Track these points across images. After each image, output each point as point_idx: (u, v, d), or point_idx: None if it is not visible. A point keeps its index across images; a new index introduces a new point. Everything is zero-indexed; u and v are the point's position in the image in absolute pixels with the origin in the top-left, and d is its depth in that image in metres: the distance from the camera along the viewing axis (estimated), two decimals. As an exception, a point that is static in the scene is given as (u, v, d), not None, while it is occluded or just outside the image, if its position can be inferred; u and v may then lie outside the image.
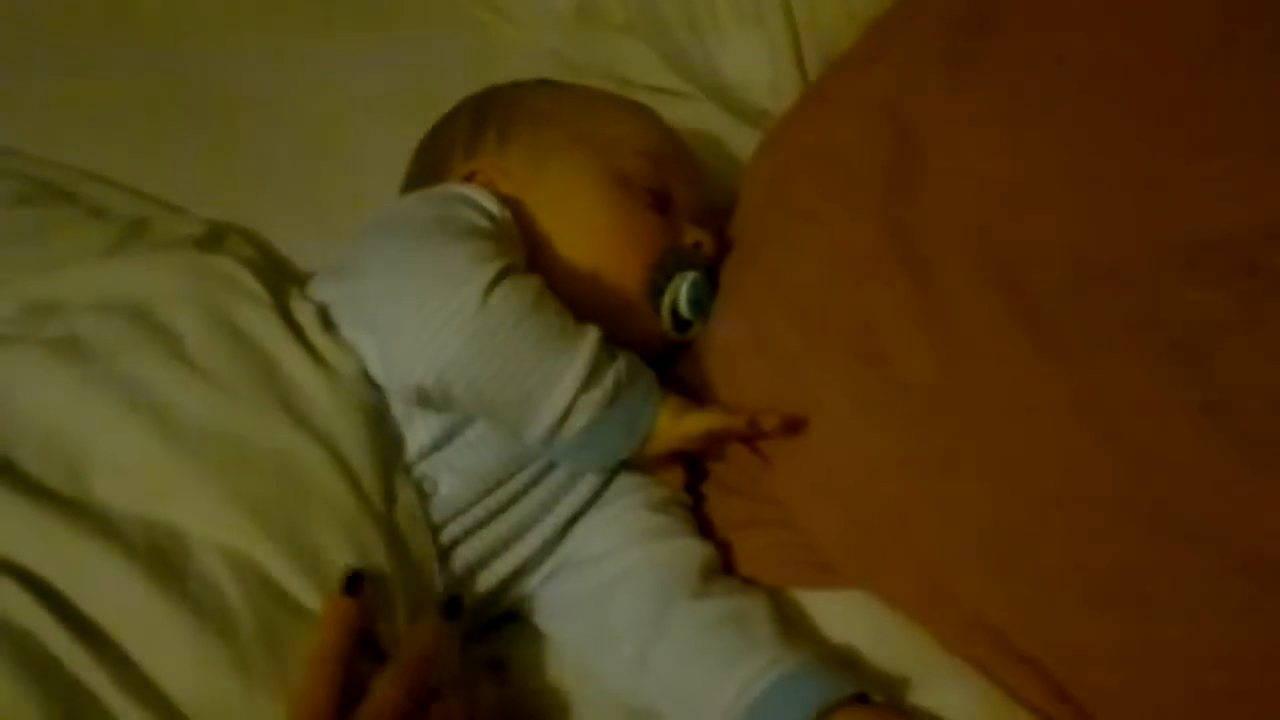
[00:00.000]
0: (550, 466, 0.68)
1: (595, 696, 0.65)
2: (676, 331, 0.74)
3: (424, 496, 0.64)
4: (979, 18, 0.72)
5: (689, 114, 0.88)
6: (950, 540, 0.62)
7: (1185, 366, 0.57)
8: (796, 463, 0.67)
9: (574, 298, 0.67)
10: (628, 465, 0.69)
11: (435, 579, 0.64)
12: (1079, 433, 0.58)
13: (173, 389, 0.61)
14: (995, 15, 0.72)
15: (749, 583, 0.68)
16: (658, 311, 0.73)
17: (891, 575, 0.65)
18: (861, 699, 0.59)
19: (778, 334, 0.70)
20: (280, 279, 0.69)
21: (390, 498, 0.63)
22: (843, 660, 0.64)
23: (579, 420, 0.64)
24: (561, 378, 0.63)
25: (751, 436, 0.67)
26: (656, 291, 0.73)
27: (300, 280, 0.71)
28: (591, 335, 0.65)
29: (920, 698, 0.62)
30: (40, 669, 0.52)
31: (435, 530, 0.64)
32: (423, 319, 0.63)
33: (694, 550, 0.67)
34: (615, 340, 0.67)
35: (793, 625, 0.65)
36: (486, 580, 0.66)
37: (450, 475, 0.65)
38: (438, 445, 0.66)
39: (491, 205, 0.70)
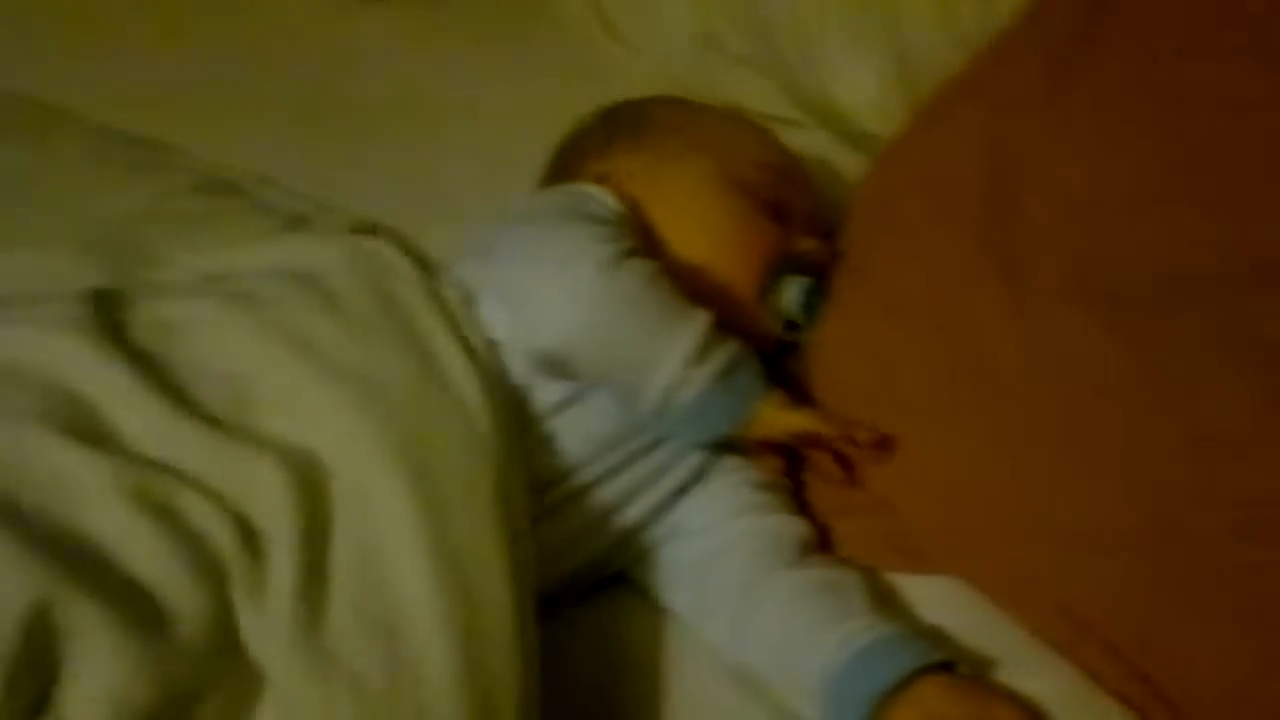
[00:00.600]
0: (660, 440, 0.74)
1: (699, 660, 0.70)
2: (785, 333, 0.80)
3: (547, 451, 0.71)
4: (1079, 49, 0.77)
5: (801, 140, 0.93)
6: (1039, 528, 0.66)
7: (1264, 371, 0.60)
8: (894, 454, 0.72)
9: (690, 293, 0.73)
10: (730, 447, 0.74)
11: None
12: (1165, 429, 0.62)
13: (327, 336, 0.67)
14: (1095, 47, 0.76)
15: (844, 562, 0.72)
16: (769, 312, 0.79)
17: (981, 562, 0.69)
18: (949, 669, 0.63)
19: (879, 335, 0.75)
20: (423, 263, 0.76)
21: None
22: (933, 636, 0.68)
23: (688, 392, 0.69)
24: (674, 348, 0.69)
25: (844, 444, 0.72)
26: (769, 293, 0.79)
27: (438, 267, 0.78)
28: (704, 315, 0.71)
29: (1006, 680, 0.65)
30: (208, 568, 0.58)
31: (553, 484, 0.70)
32: (552, 289, 0.69)
33: (793, 525, 0.72)
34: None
35: (886, 600, 0.69)
36: (597, 540, 0.72)
37: (571, 435, 0.71)
38: (559, 409, 0.72)
39: (613, 202, 0.77)
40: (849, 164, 0.94)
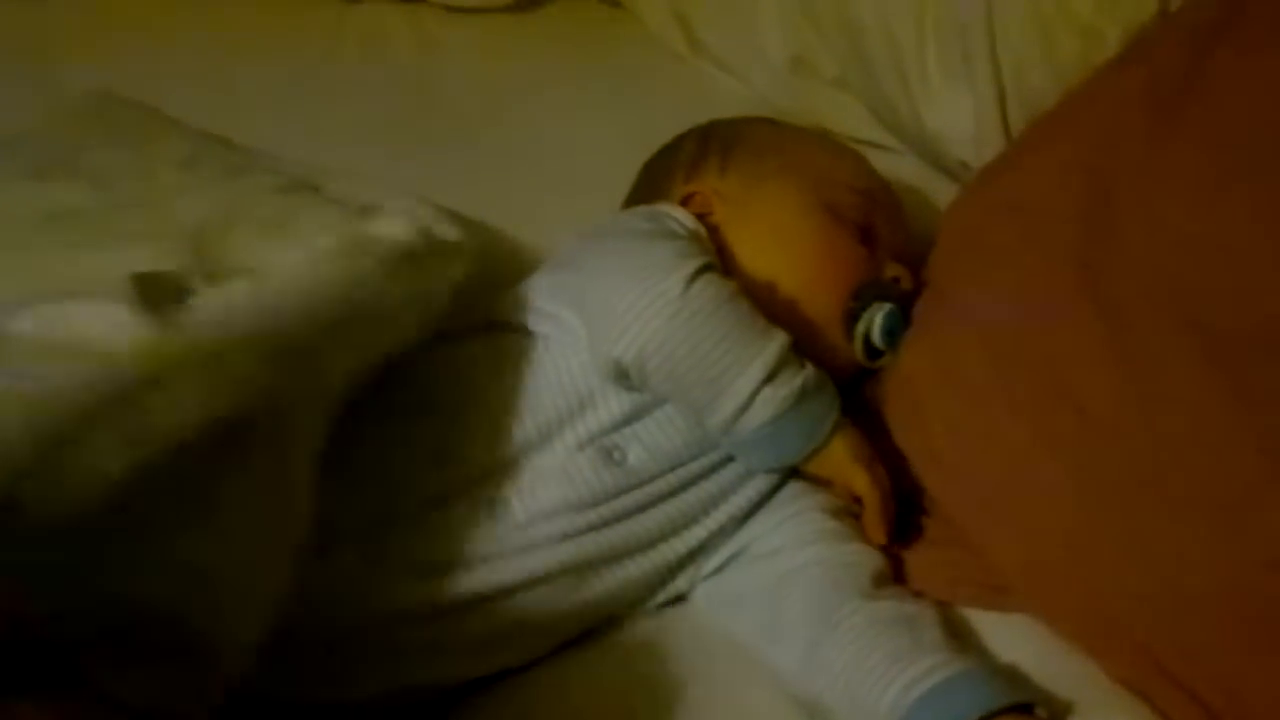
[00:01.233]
0: (727, 459, 0.73)
1: (761, 685, 0.69)
2: (866, 359, 0.79)
3: (612, 462, 0.70)
4: (1185, 87, 0.75)
5: (892, 166, 0.93)
6: (1123, 572, 0.64)
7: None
8: (974, 486, 0.71)
9: (771, 315, 0.72)
10: (799, 472, 0.74)
11: None
12: (1263, 475, 0.60)
13: None
14: (1202, 85, 0.75)
15: (918, 595, 0.71)
16: (851, 337, 0.78)
17: (1061, 602, 0.67)
18: (1027, 710, 0.62)
19: (965, 366, 0.74)
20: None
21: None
22: (1010, 675, 0.66)
23: (760, 413, 0.69)
24: (748, 367, 0.69)
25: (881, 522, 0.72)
26: (852, 318, 0.78)
27: None
28: (781, 335, 0.71)
29: (1082, 724, 0.64)
30: None
31: (621, 494, 0.70)
32: (629, 300, 0.70)
33: (867, 555, 0.71)
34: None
35: (961, 637, 0.67)
36: (662, 556, 0.71)
37: (638, 447, 0.71)
38: (628, 419, 0.72)
39: (692, 223, 0.78)
40: (940, 192, 0.92)
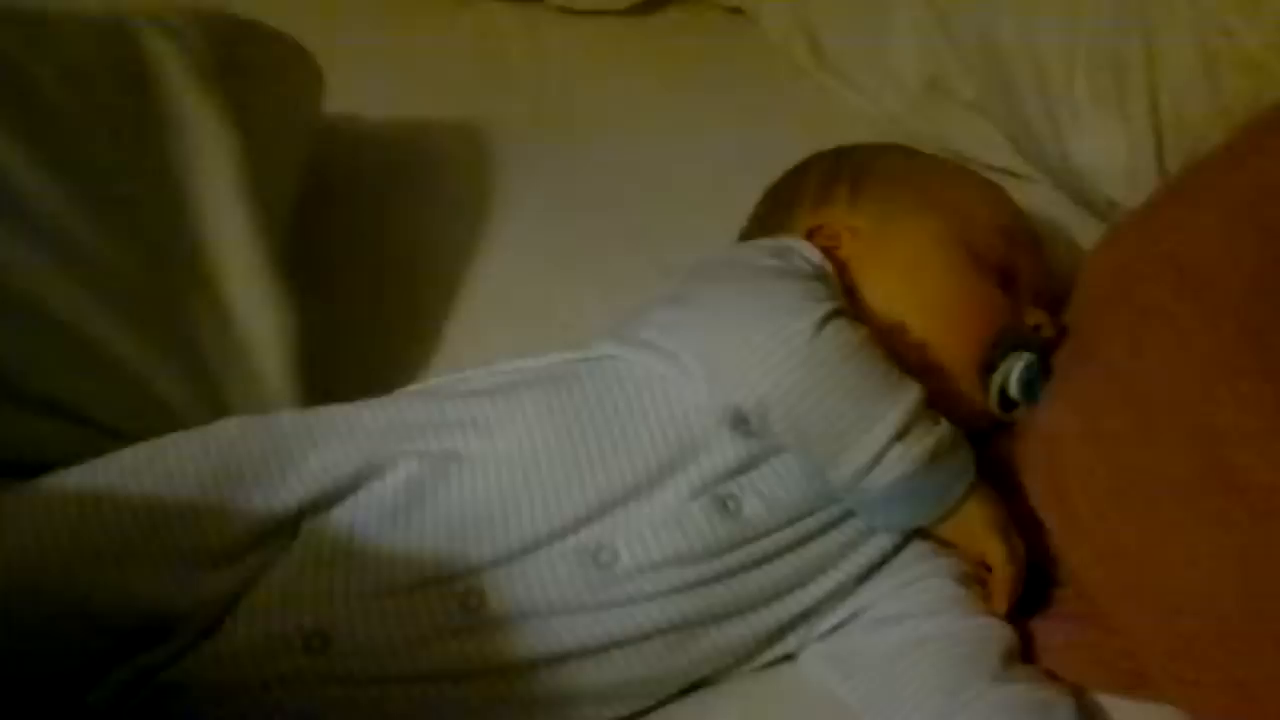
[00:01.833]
0: (849, 514, 0.68)
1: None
2: (1001, 410, 0.74)
3: (726, 512, 0.66)
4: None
5: (1029, 196, 0.87)
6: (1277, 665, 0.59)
7: None
8: (1119, 563, 0.65)
9: (898, 360, 0.68)
10: (923, 531, 0.69)
11: None
12: None
13: None
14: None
15: (1050, 675, 0.66)
16: (986, 388, 0.73)
17: (1210, 697, 0.62)
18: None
19: (1111, 427, 0.68)
20: None
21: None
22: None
23: (890, 471, 0.64)
24: (879, 421, 0.64)
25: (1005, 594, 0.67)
26: (989, 368, 0.73)
27: None
28: (915, 389, 0.66)
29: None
30: None
31: (734, 548, 0.66)
32: (754, 344, 0.66)
33: (997, 631, 0.66)
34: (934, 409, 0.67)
35: (1097, 730, 0.63)
36: (774, 615, 0.67)
37: (755, 498, 0.67)
38: (744, 468, 0.67)
39: (819, 260, 0.73)
40: (1080, 227, 0.87)
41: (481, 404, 0.71)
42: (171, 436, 0.67)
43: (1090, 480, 0.68)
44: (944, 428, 0.66)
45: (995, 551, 0.66)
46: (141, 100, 0.75)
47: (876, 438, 0.64)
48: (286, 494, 0.65)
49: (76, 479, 0.63)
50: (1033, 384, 0.73)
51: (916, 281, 0.74)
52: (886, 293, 0.74)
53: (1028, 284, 0.76)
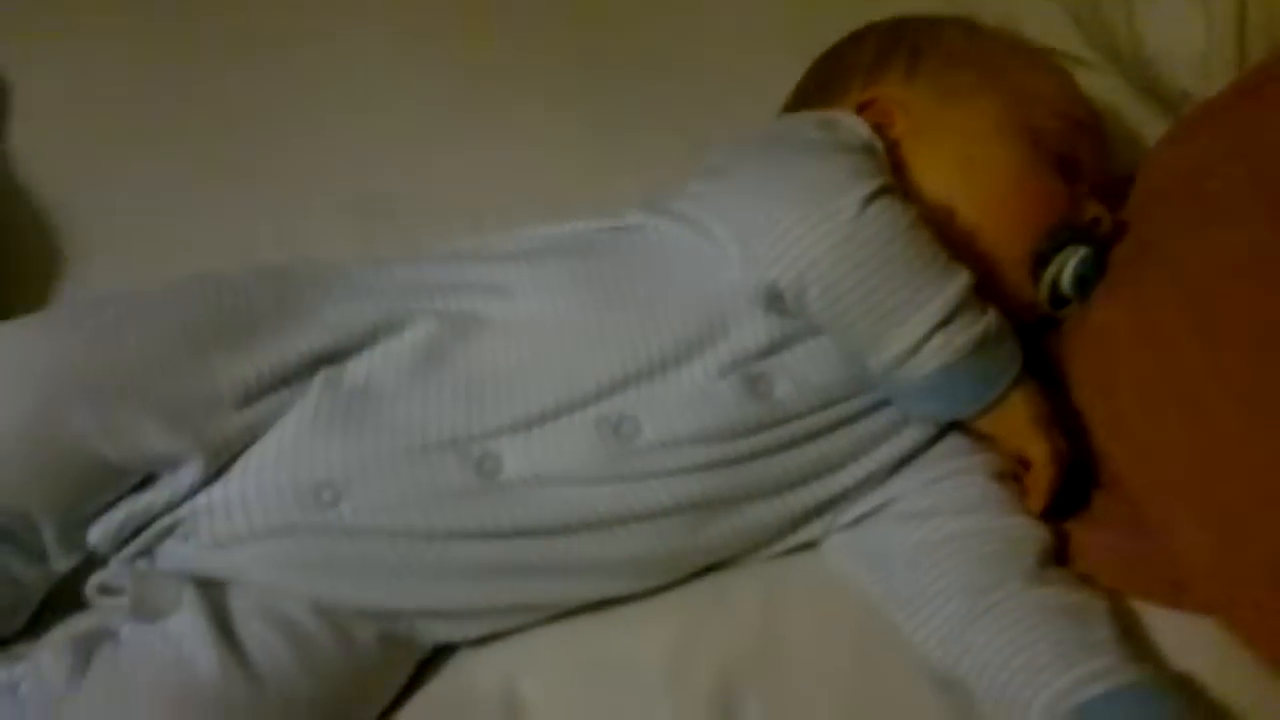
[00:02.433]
0: (883, 403, 0.66)
1: (889, 647, 0.63)
2: (1051, 307, 0.70)
3: (756, 393, 0.63)
4: None
5: (1093, 85, 0.81)
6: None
7: None
8: (1166, 462, 0.62)
9: (948, 247, 0.64)
10: (959, 426, 0.66)
11: None
12: None
13: None
14: None
15: (1085, 579, 0.64)
16: (1036, 281, 0.70)
17: (1254, 610, 0.59)
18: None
19: (1169, 329, 0.65)
20: None
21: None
22: (1182, 686, 0.59)
23: (932, 359, 0.62)
24: (924, 306, 0.61)
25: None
26: (1042, 261, 0.69)
27: None
28: (964, 274, 0.63)
29: (1260, 742, 0.57)
30: None
31: (762, 429, 0.63)
32: (795, 218, 0.62)
33: (1034, 531, 0.64)
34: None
35: (1132, 637, 0.60)
36: (799, 501, 0.65)
37: (786, 380, 0.64)
38: (775, 348, 0.64)
39: (870, 137, 0.69)
40: (1147, 121, 0.82)
41: (505, 268, 0.68)
42: (184, 279, 0.65)
43: (1141, 378, 0.65)
44: (991, 317, 0.63)
45: (1037, 448, 0.64)
46: None
47: (920, 323, 0.61)
48: (301, 340, 0.63)
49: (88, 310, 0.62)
50: (1086, 280, 0.69)
51: (971, 166, 0.70)
52: (938, 176, 0.70)
53: (1088, 176, 0.72)
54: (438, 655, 0.64)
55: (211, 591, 0.59)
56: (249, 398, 0.61)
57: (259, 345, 0.62)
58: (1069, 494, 0.66)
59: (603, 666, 0.63)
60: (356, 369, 0.63)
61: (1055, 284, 0.70)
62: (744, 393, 0.63)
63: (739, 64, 0.96)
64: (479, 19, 1.02)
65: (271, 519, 0.60)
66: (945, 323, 0.61)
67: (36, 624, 0.64)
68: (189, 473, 0.60)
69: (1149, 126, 0.81)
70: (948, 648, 0.61)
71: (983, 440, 0.67)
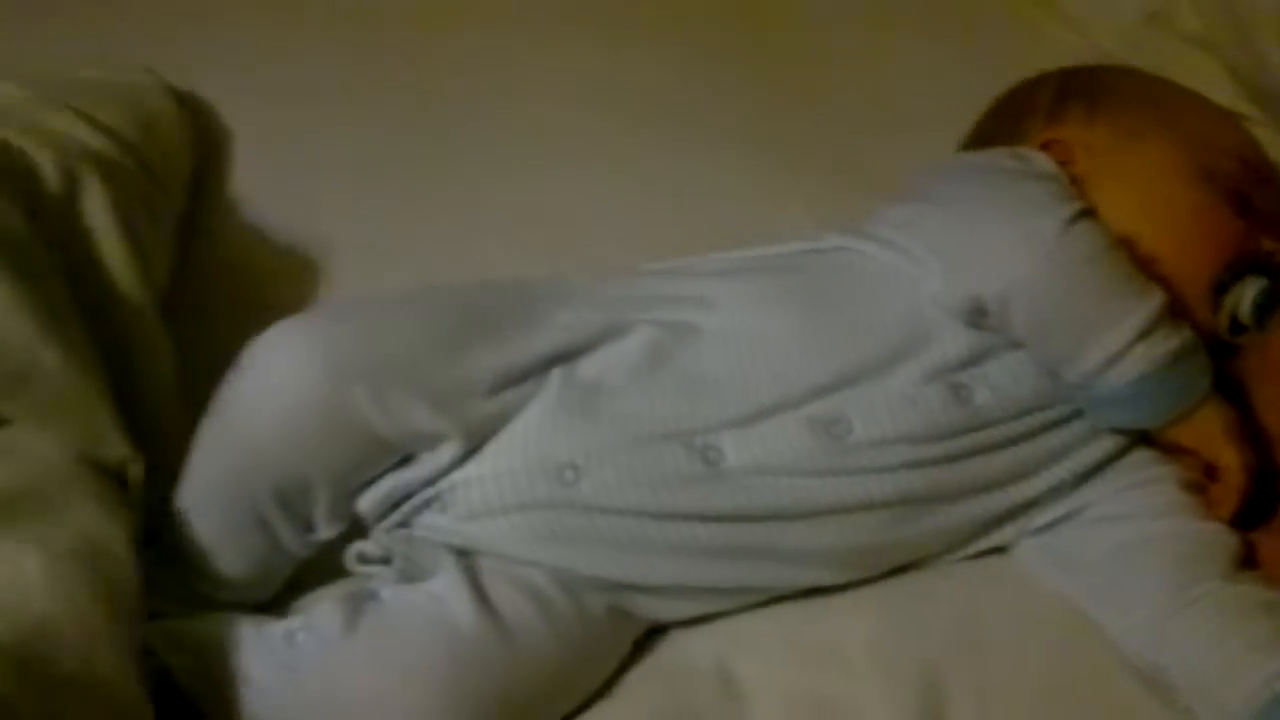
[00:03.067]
0: (1075, 414, 0.70)
1: (1090, 648, 0.66)
2: (1229, 334, 0.74)
3: (958, 399, 0.68)
4: None
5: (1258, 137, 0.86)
6: None
7: None
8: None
9: None
10: (1147, 439, 0.70)
11: None
12: None
13: None
14: None
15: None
16: (1216, 310, 0.74)
17: None
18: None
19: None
20: None
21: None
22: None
23: (1130, 369, 0.66)
24: (1124, 319, 0.66)
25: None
26: (1221, 289, 0.73)
27: None
28: (1160, 294, 0.68)
29: None
30: None
31: (963, 433, 0.68)
32: (1001, 235, 0.68)
33: (1226, 536, 0.67)
34: None
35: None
36: (995, 503, 0.69)
37: (986, 390, 0.69)
38: (973, 360, 0.69)
39: (1058, 172, 0.74)
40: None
41: (713, 283, 0.74)
42: (436, 287, 0.72)
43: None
44: (1186, 332, 0.67)
45: (1230, 456, 0.68)
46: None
47: (1121, 335, 0.66)
48: (541, 340, 0.68)
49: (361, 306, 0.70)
50: (1265, 309, 0.74)
51: (1152, 201, 0.75)
52: (1120, 213, 0.74)
53: (1265, 216, 0.76)
54: (652, 635, 0.68)
55: (465, 559, 0.64)
56: (498, 387, 0.67)
57: (506, 342, 0.68)
58: (1256, 506, 0.69)
59: (811, 649, 0.67)
60: (588, 367, 0.69)
61: (1234, 313, 0.74)
62: (948, 398, 0.68)
63: (901, 99, 1.02)
64: (657, 61, 1.08)
65: (521, 495, 0.65)
66: (1146, 334, 0.66)
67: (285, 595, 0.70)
68: (448, 451, 0.65)
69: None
70: (1151, 642, 0.64)
71: (1168, 454, 0.71)
